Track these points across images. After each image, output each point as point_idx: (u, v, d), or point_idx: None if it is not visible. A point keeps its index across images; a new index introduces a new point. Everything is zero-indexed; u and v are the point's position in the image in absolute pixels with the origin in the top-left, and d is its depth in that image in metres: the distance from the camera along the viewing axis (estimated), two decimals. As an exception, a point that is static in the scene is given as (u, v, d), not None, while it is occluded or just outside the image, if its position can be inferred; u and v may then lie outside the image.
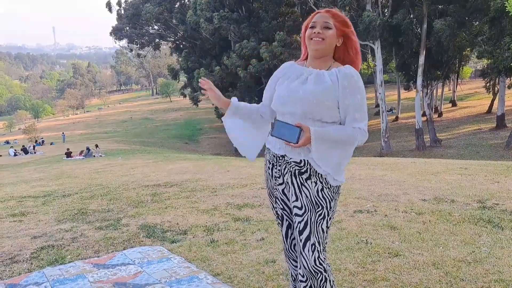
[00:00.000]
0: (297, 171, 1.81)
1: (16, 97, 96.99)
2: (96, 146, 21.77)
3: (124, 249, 3.31)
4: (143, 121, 52.96)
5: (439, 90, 36.08)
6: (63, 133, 42.13)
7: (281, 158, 1.86)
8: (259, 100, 2.11)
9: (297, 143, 1.71)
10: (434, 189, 4.95)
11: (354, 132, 1.78)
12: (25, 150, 26.68)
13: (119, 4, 31.95)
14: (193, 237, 3.53)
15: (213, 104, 24.17)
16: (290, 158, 1.83)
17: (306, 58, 1.93)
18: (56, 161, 18.09)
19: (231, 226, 3.75)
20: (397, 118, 34.54)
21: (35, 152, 26.79)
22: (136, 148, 26.59)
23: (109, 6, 31.62)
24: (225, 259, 2.95)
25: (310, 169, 1.79)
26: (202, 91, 2.04)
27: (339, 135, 1.78)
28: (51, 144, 35.98)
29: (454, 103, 37.11)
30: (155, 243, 3.45)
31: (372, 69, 42.01)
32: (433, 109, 30.95)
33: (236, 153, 29.77)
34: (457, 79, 37.75)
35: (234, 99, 2.07)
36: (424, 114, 26.17)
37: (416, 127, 23.37)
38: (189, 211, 4.46)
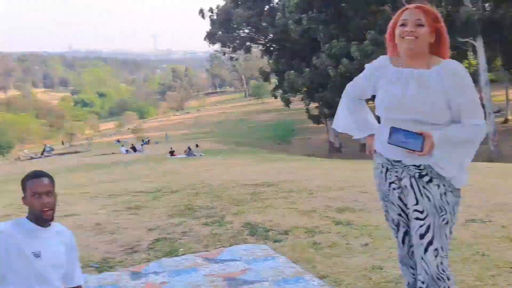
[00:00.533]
0: (417, 174, 1.76)
1: (123, 99, 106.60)
2: (197, 145, 23.11)
3: (230, 245, 3.50)
4: (237, 122, 54.83)
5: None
6: (166, 133, 45.22)
7: (396, 162, 1.81)
8: None
9: (422, 151, 1.67)
10: (560, 200, 4.42)
11: (474, 129, 1.73)
12: (134, 149, 29.20)
13: (211, 10, 33.49)
14: (295, 237, 3.61)
15: (305, 105, 24.04)
16: (408, 163, 1.77)
17: (397, 55, 1.85)
18: (162, 159, 19.55)
19: (333, 229, 3.76)
20: (506, 120, 31.26)
21: (143, 151, 29.20)
22: (232, 148, 27.67)
23: (202, 13, 33.37)
24: (329, 262, 2.97)
25: (432, 172, 1.74)
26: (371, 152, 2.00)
27: (461, 136, 1.72)
28: (156, 143, 38.90)
29: None
30: (259, 241, 3.58)
31: (474, 68, 38.56)
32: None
33: (329, 154, 29.32)
34: None
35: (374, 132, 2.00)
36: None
37: (532, 129, 20.92)
38: (288, 212, 4.56)
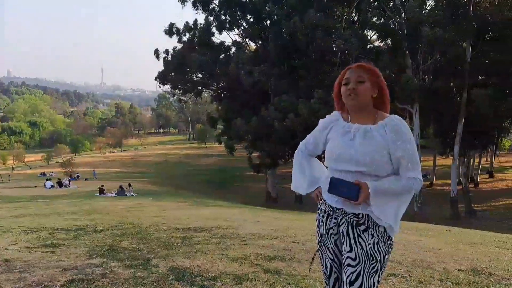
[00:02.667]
0: (354, 222, 1.83)
1: (57, 131, 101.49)
2: (129, 185, 22.25)
3: (153, 290, 3.31)
4: (177, 164, 53.93)
5: (476, 160, 35.12)
6: (94, 170, 43.19)
7: (338, 210, 1.89)
8: (291, 153, 2.19)
9: (357, 200, 1.75)
10: (471, 259, 4.73)
11: (409, 182, 1.82)
12: (60, 183, 27.53)
13: (166, 52, 33.66)
14: (222, 284, 3.50)
15: (247, 153, 24.36)
16: (349, 210, 1.85)
17: (347, 111, 1.98)
18: (90, 196, 18.55)
19: (261, 277, 3.70)
20: (431, 184, 33.62)
21: (69, 186, 27.58)
22: (168, 190, 26.92)
23: (157, 53, 33.42)
24: (254, 310, 2.89)
25: (368, 222, 1.82)
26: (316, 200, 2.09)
27: (396, 187, 1.81)
28: (86, 179, 37.02)
29: (491, 174, 35.89)
30: (184, 286, 3.43)
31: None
32: (469, 179, 29.98)
33: (266, 204, 29.48)
34: (495, 150, 36.77)
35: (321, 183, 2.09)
36: (459, 183, 25.35)
37: (451, 195, 22.59)
38: (219, 258, 4.44)
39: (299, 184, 2.16)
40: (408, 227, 8.05)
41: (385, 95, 1.93)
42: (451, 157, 24.52)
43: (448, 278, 3.83)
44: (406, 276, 3.84)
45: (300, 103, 23.80)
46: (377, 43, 27.82)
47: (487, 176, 35.73)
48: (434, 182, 34.02)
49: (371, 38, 27.03)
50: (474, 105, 20.93)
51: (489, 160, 38.43)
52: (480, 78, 23.08)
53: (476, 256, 4.95)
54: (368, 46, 24.15)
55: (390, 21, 22.32)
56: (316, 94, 23.06)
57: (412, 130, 26.83)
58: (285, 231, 6.46)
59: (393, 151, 1.81)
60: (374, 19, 23.00)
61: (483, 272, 4.15)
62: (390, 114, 1.93)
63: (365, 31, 26.18)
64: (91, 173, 41.54)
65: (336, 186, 1.81)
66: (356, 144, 1.85)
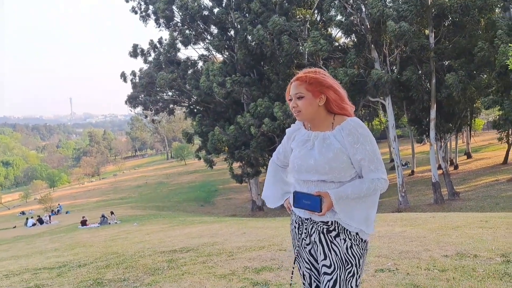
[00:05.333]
0: (325, 229, 1.82)
1: (32, 167, 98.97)
2: (112, 213, 21.80)
3: (140, 320, 3.23)
4: (158, 185, 53.26)
5: (453, 143, 35.94)
6: (59, 204, 41.24)
7: (306, 220, 1.88)
8: (270, 158, 2.20)
9: (321, 211, 1.74)
10: (455, 244, 4.80)
11: (373, 184, 1.80)
12: (40, 221, 26.77)
13: (133, 74, 33.40)
14: (211, 304, 3.44)
15: (228, 165, 24.25)
16: (317, 219, 1.84)
17: None
18: (71, 230, 18.08)
19: (250, 292, 3.66)
20: (413, 172, 34.19)
21: (50, 222, 26.85)
22: (151, 213, 26.52)
23: (123, 76, 33.14)
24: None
25: (338, 227, 1.80)
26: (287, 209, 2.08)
27: (359, 191, 1.78)
28: (67, 213, 36.13)
29: (469, 155, 36.78)
30: (172, 312, 3.36)
31: (384, 125, 42.33)
32: (449, 162, 30.62)
33: (252, 213, 29.38)
34: (470, 131, 37.71)
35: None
36: (440, 167, 25.88)
37: (433, 181, 23.01)
38: (206, 277, 4.37)
39: (268, 196, 2.15)
40: (393, 219, 8.14)
41: (335, 100, 1.87)
42: (429, 143, 25.01)
43: (435, 266, 3.87)
44: (393, 270, 3.86)
45: (275, 106, 23.93)
46: (342, 40, 28.32)
47: (465, 157, 36.60)
48: (415, 170, 34.61)
49: (335, 36, 27.49)
50: (444, 90, 21.47)
51: (465, 141, 39.41)
52: (445, 63, 23.71)
53: (460, 240, 5.03)
54: (334, 44, 24.49)
55: (352, 18, 22.69)
56: (289, 97, 23.20)
57: (387, 121, 27.35)
58: (271, 240, 6.43)
59: (352, 154, 1.80)
60: (338, 17, 23.38)
61: (468, 255, 4.21)
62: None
63: (329, 30, 26.60)
64: (72, 206, 40.42)
65: (299, 200, 1.80)
66: (315, 153, 1.84)
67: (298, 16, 27.55)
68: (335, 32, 27.40)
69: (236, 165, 30.13)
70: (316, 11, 28.46)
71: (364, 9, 22.76)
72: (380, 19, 21.27)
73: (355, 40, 24.55)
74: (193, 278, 4.41)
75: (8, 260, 8.28)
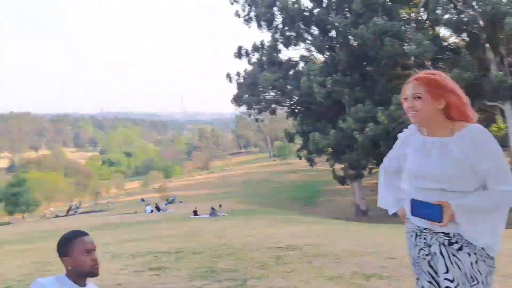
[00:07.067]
0: (446, 241, 1.72)
1: (150, 158, 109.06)
2: (220, 205, 23.02)
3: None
4: (262, 182, 54.78)
5: None
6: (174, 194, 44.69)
7: (425, 229, 1.80)
8: (377, 163, 2.14)
9: (442, 221, 1.66)
10: None
11: (500, 196, 1.67)
12: (158, 208, 29.35)
13: (238, 74, 34.88)
14: (320, 305, 3.47)
15: (330, 166, 23.91)
16: (437, 230, 1.75)
17: None
18: (185, 219, 19.51)
19: (360, 297, 3.61)
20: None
21: (166, 210, 29.27)
22: (256, 209, 27.40)
23: (229, 77, 34.81)
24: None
25: (461, 240, 1.70)
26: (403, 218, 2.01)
27: (485, 203, 1.67)
28: (180, 202, 39.10)
29: None
30: (283, 308, 3.46)
31: (504, 131, 37.86)
32: None
33: (356, 217, 28.57)
34: None
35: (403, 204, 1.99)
36: None
37: None
38: (313, 277, 4.41)
39: (385, 201, 2.08)
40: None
41: (457, 106, 1.75)
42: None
43: None
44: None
45: (378, 111, 23.00)
46: (452, 40, 26.08)
47: None
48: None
49: (444, 35, 25.45)
50: None
51: None
52: None
53: None
54: (443, 44, 22.69)
55: (462, 15, 20.83)
56: (394, 99, 22.13)
57: (506, 128, 24.37)
58: (379, 247, 6.22)
59: (476, 164, 1.67)
60: (446, 16, 21.55)
61: None
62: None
63: (436, 29, 24.71)
64: (184, 197, 43.56)
65: (417, 208, 1.73)
66: (433, 160, 1.74)
67: (402, 16, 26.10)
68: (444, 31, 25.36)
69: (338, 166, 29.67)
70: (422, 9, 26.61)
71: (476, 6, 20.65)
72: (494, 16, 19.10)
73: (467, 39, 22.49)
74: (300, 276, 4.48)
75: (133, 242, 9.28)
